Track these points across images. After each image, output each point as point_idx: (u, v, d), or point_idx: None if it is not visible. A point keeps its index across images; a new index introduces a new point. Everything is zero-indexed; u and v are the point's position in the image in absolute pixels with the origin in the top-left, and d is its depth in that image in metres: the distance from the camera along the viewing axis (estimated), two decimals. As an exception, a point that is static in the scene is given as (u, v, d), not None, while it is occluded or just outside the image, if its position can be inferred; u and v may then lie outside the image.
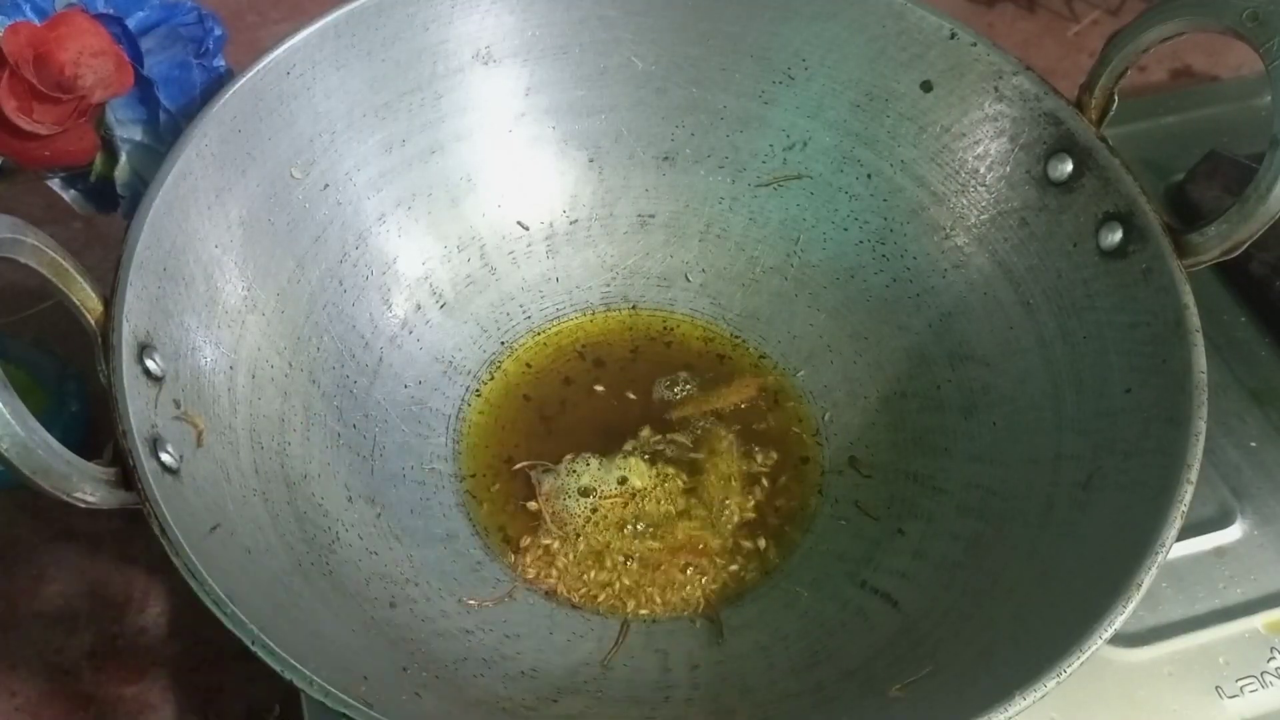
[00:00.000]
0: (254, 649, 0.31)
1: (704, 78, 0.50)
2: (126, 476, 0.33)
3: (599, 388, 0.50)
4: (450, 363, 0.49)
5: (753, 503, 0.47)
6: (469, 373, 0.49)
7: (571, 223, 0.52)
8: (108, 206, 0.44)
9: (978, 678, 0.36)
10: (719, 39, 0.49)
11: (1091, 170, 0.43)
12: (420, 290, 0.49)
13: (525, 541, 0.45)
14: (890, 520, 0.45)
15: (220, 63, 0.44)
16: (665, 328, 0.52)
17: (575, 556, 0.45)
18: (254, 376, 0.42)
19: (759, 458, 0.48)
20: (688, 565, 0.45)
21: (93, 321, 0.36)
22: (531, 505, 0.46)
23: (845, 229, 0.50)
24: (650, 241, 0.52)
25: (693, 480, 0.47)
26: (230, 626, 0.31)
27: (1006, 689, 0.32)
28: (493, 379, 0.50)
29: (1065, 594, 0.37)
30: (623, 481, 0.47)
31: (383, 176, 0.47)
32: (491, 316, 0.51)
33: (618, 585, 0.44)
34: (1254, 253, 0.42)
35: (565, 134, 0.51)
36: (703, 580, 0.45)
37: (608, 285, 0.52)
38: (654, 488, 0.47)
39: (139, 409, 0.35)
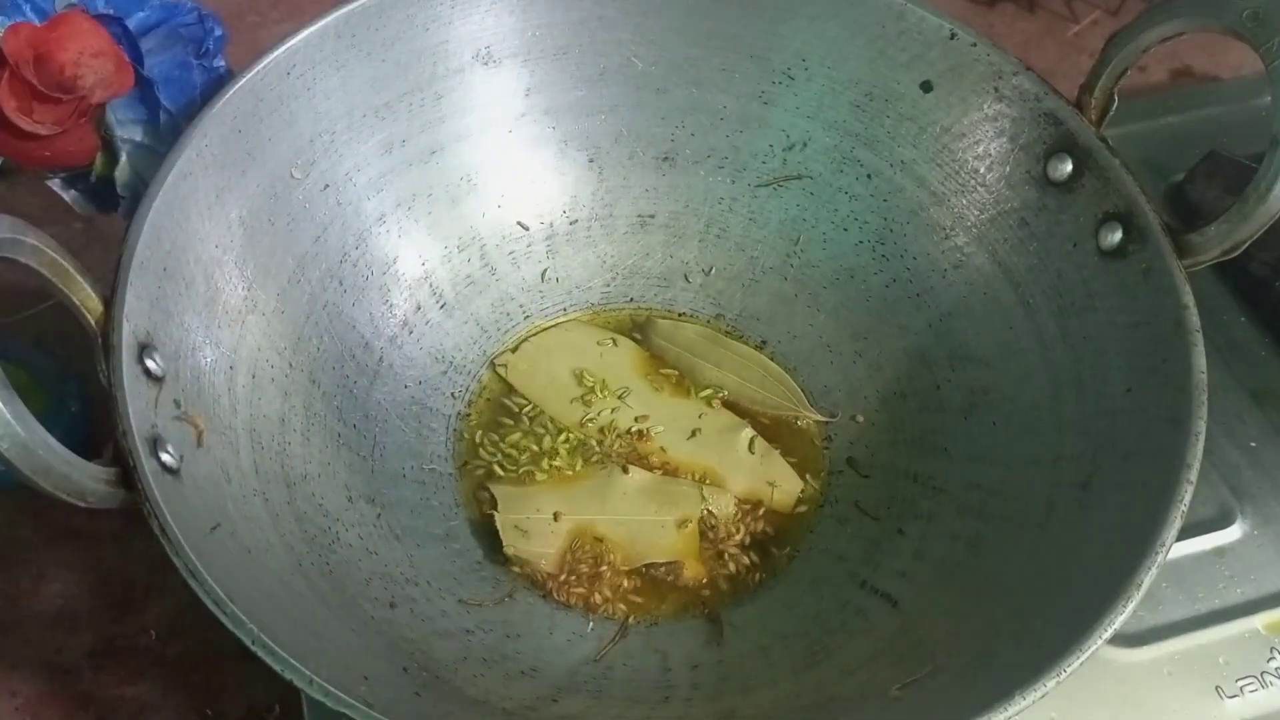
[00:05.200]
0: (254, 649, 0.31)
1: (704, 78, 0.50)
2: (127, 476, 0.33)
3: (599, 388, 0.50)
4: (450, 363, 0.49)
5: (752, 503, 0.47)
6: (469, 373, 0.49)
7: (571, 223, 0.52)
8: (108, 207, 0.44)
9: (978, 677, 0.36)
10: (719, 39, 0.49)
11: (1091, 170, 0.43)
12: (420, 290, 0.49)
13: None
14: (890, 520, 0.45)
15: (220, 63, 0.44)
16: (665, 328, 0.52)
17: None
18: (254, 377, 0.42)
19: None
20: (686, 565, 0.45)
21: (93, 322, 0.36)
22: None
23: (845, 229, 0.50)
24: (650, 242, 0.52)
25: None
26: (230, 626, 0.31)
27: (1006, 689, 0.32)
28: (493, 379, 0.50)
29: (1065, 594, 0.37)
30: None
31: (383, 177, 0.47)
32: (491, 317, 0.51)
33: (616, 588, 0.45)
34: (1254, 253, 0.42)
35: (565, 134, 0.51)
36: (702, 581, 0.45)
37: (608, 285, 0.52)
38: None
39: (139, 409, 0.35)
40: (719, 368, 0.50)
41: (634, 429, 0.48)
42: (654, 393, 0.49)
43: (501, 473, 0.47)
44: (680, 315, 0.52)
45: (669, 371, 0.50)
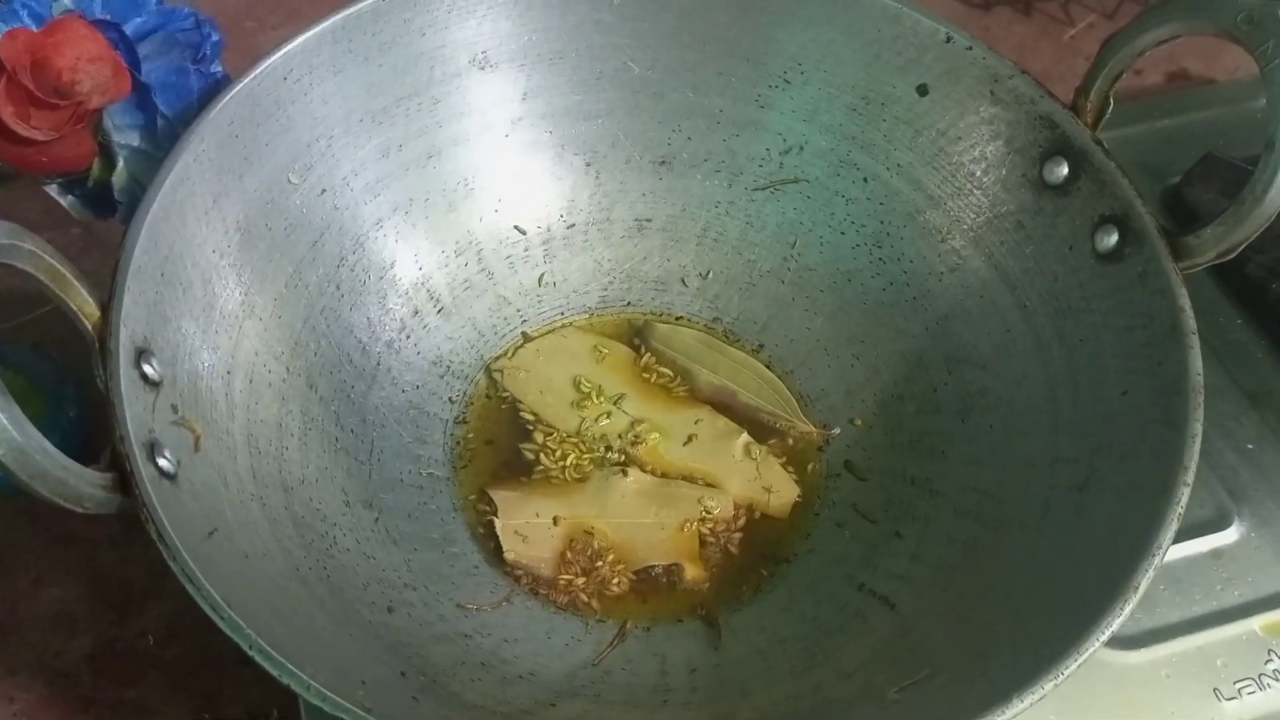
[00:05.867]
0: (251, 653, 0.31)
1: (700, 82, 0.50)
2: (124, 482, 0.33)
3: (596, 391, 0.50)
4: (448, 367, 0.49)
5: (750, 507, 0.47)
6: (466, 377, 0.49)
7: (568, 227, 0.52)
8: (105, 212, 0.44)
9: (975, 680, 0.36)
10: (715, 44, 0.49)
11: (1087, 173, 0.43)
12: (417, 295, 0.49)
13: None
14: (887, 523, 0.45)
15: (217, 68, 0.44)
16: (662, 331, 0.52)
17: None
18: (251, 381, 0.42)
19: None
20: (686, 568, 0.45)
21: (90, 327, 0.36)
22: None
23: (842, 232, 0.50)
24: (647, 245, 0.52)
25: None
26: (227, 631, 0.31)
27: (1004, 691, 0.32)
28: (491, 384, 0.50)
29: (1062, 596, 0.37)
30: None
31: (380, 181, 0.48)
32: (489, 321, 0.51)
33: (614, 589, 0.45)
34: (1250, 255, 0.42)
35: (562, 138, 0.51)
36: (702, 583, 0.45)
37: (605, 290, 0.52)
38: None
39: (136, 414, 0.35)
40: (715, 373, 0.50)
41: (630, 434, 0.48)
42: (650, 398, 0.49)
43: (555, 470, 0.47)
44: (677, 319, 0.52)
45: (665, 376, 0.50)
